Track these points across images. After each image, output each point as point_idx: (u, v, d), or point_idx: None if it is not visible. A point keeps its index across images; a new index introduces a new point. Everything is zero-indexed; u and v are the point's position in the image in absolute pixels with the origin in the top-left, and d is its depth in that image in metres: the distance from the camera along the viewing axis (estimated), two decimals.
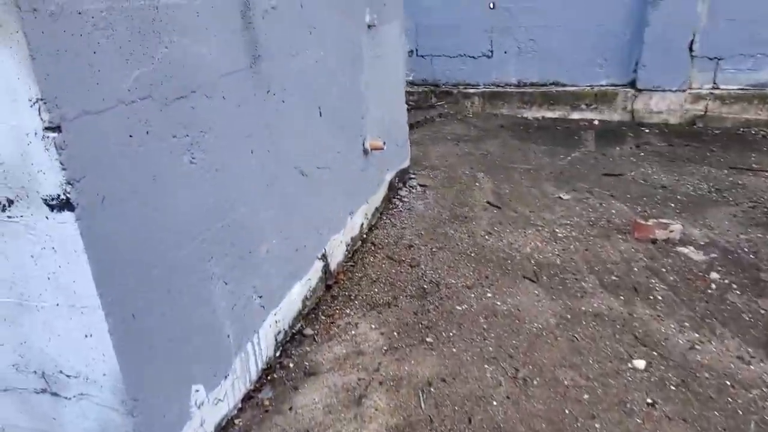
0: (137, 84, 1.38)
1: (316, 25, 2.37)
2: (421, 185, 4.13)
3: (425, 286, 2.87)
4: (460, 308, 2.68)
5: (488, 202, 3.84)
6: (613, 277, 2.90)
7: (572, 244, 3.25)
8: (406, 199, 3.89)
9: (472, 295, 2.78)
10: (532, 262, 3.08)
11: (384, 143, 3.12)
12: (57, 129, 1.18)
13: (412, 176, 4.26)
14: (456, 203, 3.84)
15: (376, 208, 3.46)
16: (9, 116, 1.18)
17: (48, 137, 1.17)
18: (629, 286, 2.83)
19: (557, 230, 3.42)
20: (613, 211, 3.66)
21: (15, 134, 1.19)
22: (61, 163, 1.19)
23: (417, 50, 6.23)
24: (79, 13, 1.21)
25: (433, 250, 3.23)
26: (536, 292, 2.80)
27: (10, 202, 1.27)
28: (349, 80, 2.83)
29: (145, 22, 1.40)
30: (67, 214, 1.24)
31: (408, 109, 4.14)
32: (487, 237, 3.36)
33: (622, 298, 2.73)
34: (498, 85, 6.14)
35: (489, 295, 2.79)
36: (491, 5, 5.85)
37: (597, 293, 2.78)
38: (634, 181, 4.16)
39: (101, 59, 1.27)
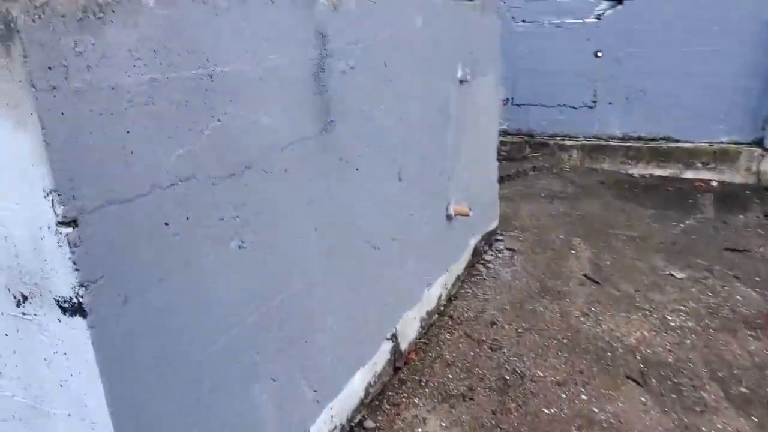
0: (179, 164, 1.20)
1: (400, 84, 2.15)
2: (509, 249, 3.76)
3: (507, 377, 2.50)
4: (547, 411, 2.28)
5: (585, 275, 3.40)
6: (742, 389, 2.38)
7: (688, 338, 2.74)
8: (491, 266, 3.53)
9: (563, 396, 2.37)
10: (638, 357, 2.61)
11: (470, 209, 2.81)
12: (72, 223, 0.99)
13: (500, 238, 3.90)
14: (547, 273, 3.43)
15: (457, 276, 3.14)
16: (24, 206, 1.01)
17: (61, 233, 0.99)
18: (764, 401, 2.30)
19: (669, 318, 2.92)
20: (739, 298, 3.10)
21: (30, 226, 1.02)
22: (74, 263, 1.00)
23: (513, 99, 5.91)
24: (113, 89, 1.03)
25: (519, 330, 2.84)
26: (643, 398, 2.34)
27: (24, 298, 1.10)
28: (435, 140, 2.58)
29: (195, 93, 1.22)
30: (78, 320, 1.05)
31: (499, 160, 3.83)
32: (583, 319, 2.93)
33: (755, 418, 2.21)
34: (600, 138, 5.67)
35: (584, 397, 2.36)
36: (597, 53, 5.44)
37: (721, 408, 2.27)
38: (764, 260, 3.55)
39: (136, 139, 1.09)
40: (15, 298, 1.12)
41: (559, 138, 5.85)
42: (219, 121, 1.29)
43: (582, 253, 3.72)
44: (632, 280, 3.33)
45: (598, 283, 3.31)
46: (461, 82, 2.78)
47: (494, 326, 2.89)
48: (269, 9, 1.41)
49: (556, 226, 4.19)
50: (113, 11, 1.02)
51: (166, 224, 1.19)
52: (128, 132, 1.07)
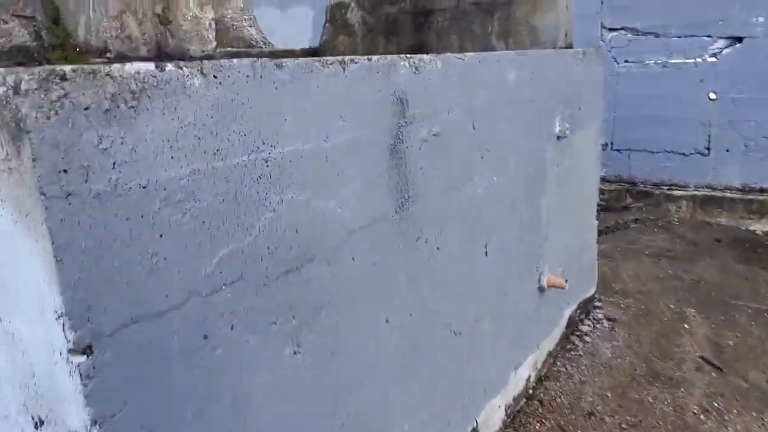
0: (223, 266, 1.01)
1: (489, 147, 1.90)
2: (608, 319, 3.33)
3: None
4: None
5: (703, 358, 2.91)
6: None
7: None
8: (588, 338, 3.13)
9: None
10: None
11: (566, 281, 2.48)
12: (86, 350, 0.83)
13: (598, 304, 3.48)
14: (656, 352, 2.98)
15: (549, 353, 2.78)
16: (38, 323, 0.86)
17: (72, 362, 0.82)
18: None
19: None
20: None
21: (44, 347, 0.87)
22: (86, 398, 0.83)
23: (612, 144, 5.46)
24: (144, 187, 0.87)
25: (623, 426, 2.43)
26: None
27: (41, 422, 0.95)
28: (528, 204, 2.29)
29: (246, 182, 1.04)
30: None
31: (596, 211, 3.44)
32: (703, 417, 2.47)
33: None
34: (714, 188, 5.07)
35: None
36: (711, 95, 4.91)
37: None
38: None
39: (170, 244, 0.92)
40: (33, 419, 0.97)
41: (665, 187, 5.30)
42: (274, 211, 1.11)
43: (697, 328, 3.22)
44: (763, 367, 2.81)
45: (719, 369, 2.81)
46: (559, 137, 2.49)
47: (592, 418, 2.49)
48: (339, 78, 1.23)
49: (664, 292, 3.69)
50: (149, 97, 0.87)
51: (205, 338, 1.00)
52: (161, 236, 0.90)
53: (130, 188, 0.85)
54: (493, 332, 2.10)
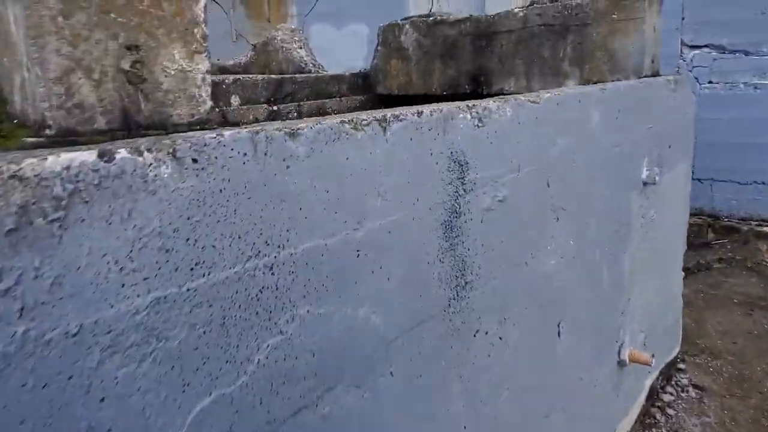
0: (203, 423, 0.72)
1: (566, 206, 1.55)
2: (695, 387, 2.85)
3: None
4: None
5: None
6: None
7: None
8: (671, 411, 2.67)
9: None
10: None
11: (653, 356, 2.07)
12: None
13: (681, 366, 3.01)
14: None
15: None
16: None
17: None
18: None
19: None
20: None
21: None
22: None
23: (692, 173, 4.91)
24: (75, 335, 0.59)
25: None
26: None
27: None
28: (609, 267, 1.91)
29: (239, 301, 0.75)
30: None
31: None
32: None
33: None
34: None
35: None
36: None
37: None
38: None
39: (116, 410, 0.63)
40: None
41: (754, 222, 4.71)
42: (282, 333, 0.80)
43: None
44: None
45: None
46: (646, 184, 2.09)
47: None
48: (378, 142, 0.92)
49: (760, 352, 3.17)
50: (87, 201, 0.59)
51: None
52: (102, 400, 0.62)
53: (50, 341, 0.57)
54: (564, 427, 1.73)
